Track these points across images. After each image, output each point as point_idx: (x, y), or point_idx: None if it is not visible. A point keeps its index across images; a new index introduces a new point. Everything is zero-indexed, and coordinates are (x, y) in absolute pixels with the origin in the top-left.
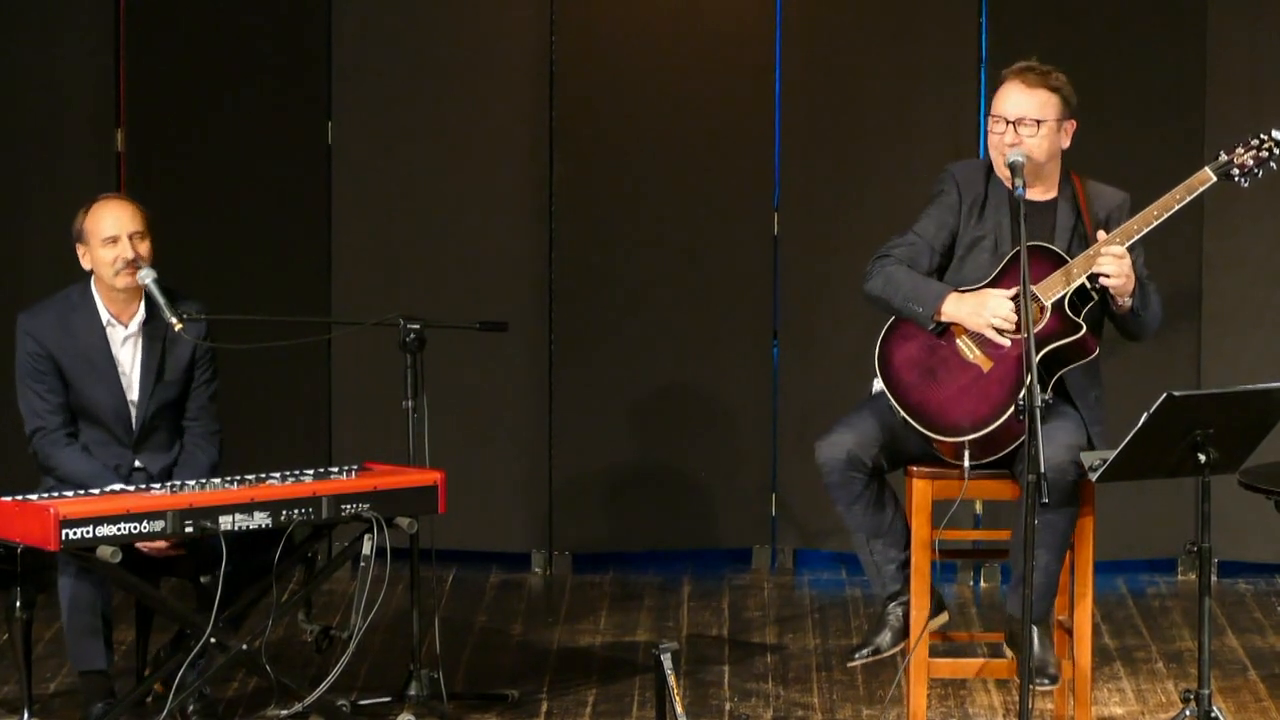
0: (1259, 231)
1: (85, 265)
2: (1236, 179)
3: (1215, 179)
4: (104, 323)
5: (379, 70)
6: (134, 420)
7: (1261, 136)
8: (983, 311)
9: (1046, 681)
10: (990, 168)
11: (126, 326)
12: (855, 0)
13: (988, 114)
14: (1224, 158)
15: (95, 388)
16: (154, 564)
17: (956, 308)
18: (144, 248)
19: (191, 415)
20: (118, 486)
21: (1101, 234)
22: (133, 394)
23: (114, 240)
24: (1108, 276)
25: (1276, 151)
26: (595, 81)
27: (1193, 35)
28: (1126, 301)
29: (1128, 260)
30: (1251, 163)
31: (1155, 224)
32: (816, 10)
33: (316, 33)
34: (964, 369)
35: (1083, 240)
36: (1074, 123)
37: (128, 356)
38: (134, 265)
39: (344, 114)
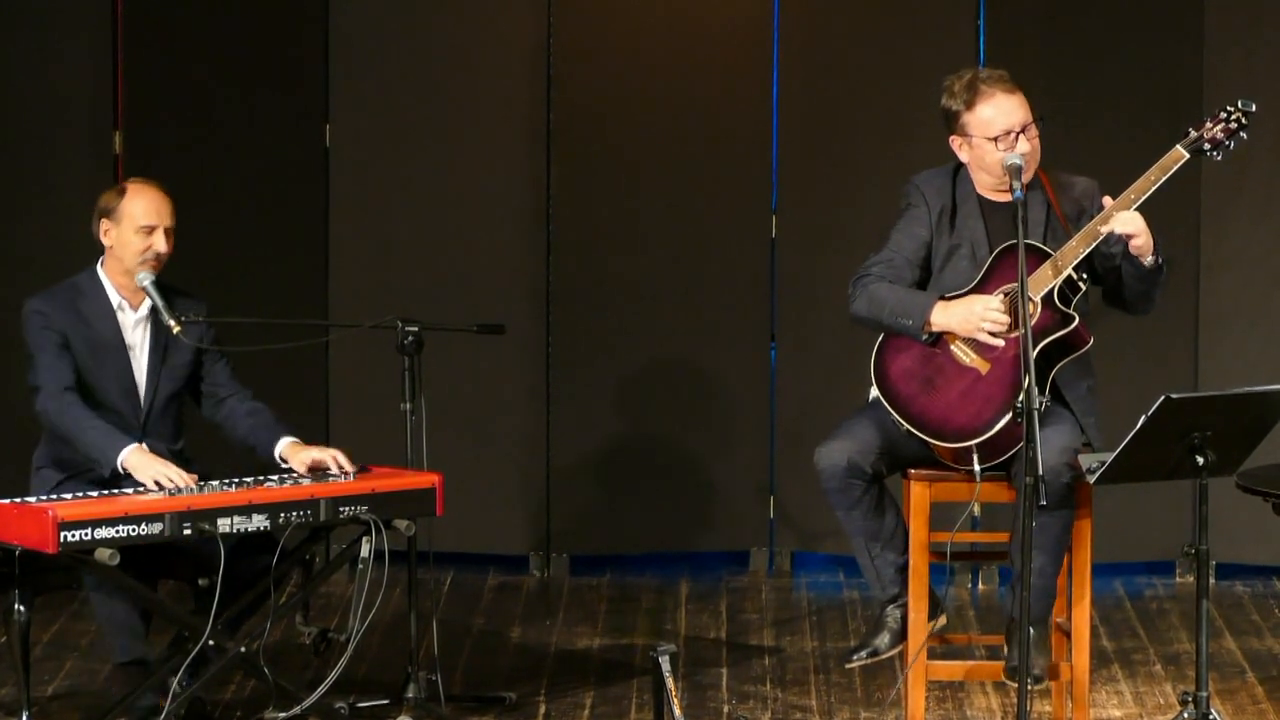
0: (1256, 233)
1: (105, 241)
2: (1209, 153)
3: (1188, 156)
4: (115, 306)
5: (376, 73)
6: (142, 402)
7: (1229, 108)
8: (971, 317)
9: (1030, 681)
10: (955, 175)
11: (136, 311)
12: (853, 3)
13: (974, 134)
14: (1194, 134)
15: (105, 370)
16: (152, 567)
17: (945, 316)
18: (170, 245)
19: (225, 390)
20: (117, 484)
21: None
22: (142, 377)
23: (150, 230)
24: (1133, 237)
25: (1245, 121)
26: (593, 84)
27: (1190, 38)
28: (1150, 259)
29: (1139, 217)
30: (1222, 135)
31: (1133, 207)
32: (814, 12)
33: (314, 35)
34: (962, 374)
35: (1056, 232)
36: None
37: (138, 340)
38: (158, 261)
39: (342, 116)
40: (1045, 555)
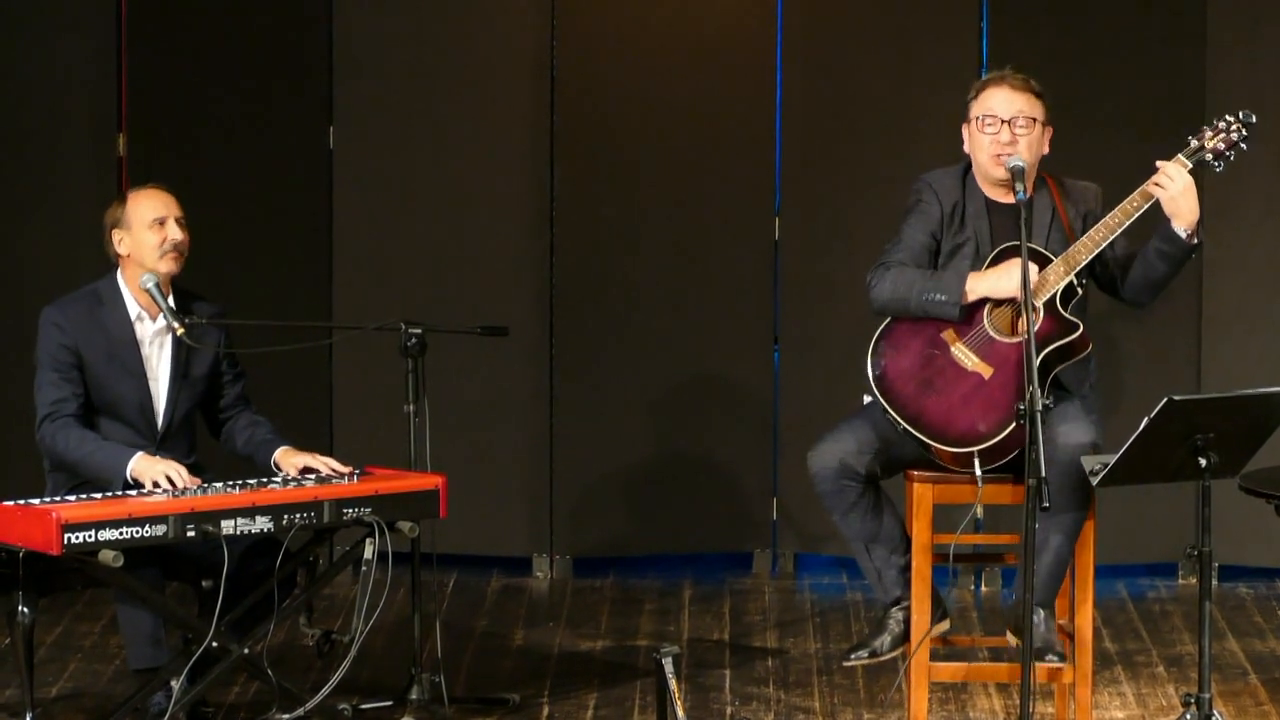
0: (1259, 235)
1: (121, 250)
2: (1211, 163)
3: (1190, 166)
4: (133, 318)
5: (380, 75)
6: (159, 416)
7: (1229, 118)
8: (1015, 275)
9: (1055, 658)
10: (965, 173)
11: (155, 321)
12: (856, 5)
13: (971, 117)
14: (1194, 144)
15: (122, 382)
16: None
17: (980, 282)
18: (185, 234)
19: (234, 411)
20: (121, 487)
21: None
22: (160, 389)
23: (161, 222)
24: (1162, 188)
25: (1246, 132)
26: (596, 86)
27: (1192, 41)
28: (1185, 231)
29: (1184, 173)
30: (1223, 146)
31: (1137, 214)
32: (817, 15)
33: (318, 38)
34: (963, 377)
35: (1060, 235)
36: (1051, 129)
37: (155, 352)
38: (179, 251)
39: (346, 118)
40: (1062, 535)
